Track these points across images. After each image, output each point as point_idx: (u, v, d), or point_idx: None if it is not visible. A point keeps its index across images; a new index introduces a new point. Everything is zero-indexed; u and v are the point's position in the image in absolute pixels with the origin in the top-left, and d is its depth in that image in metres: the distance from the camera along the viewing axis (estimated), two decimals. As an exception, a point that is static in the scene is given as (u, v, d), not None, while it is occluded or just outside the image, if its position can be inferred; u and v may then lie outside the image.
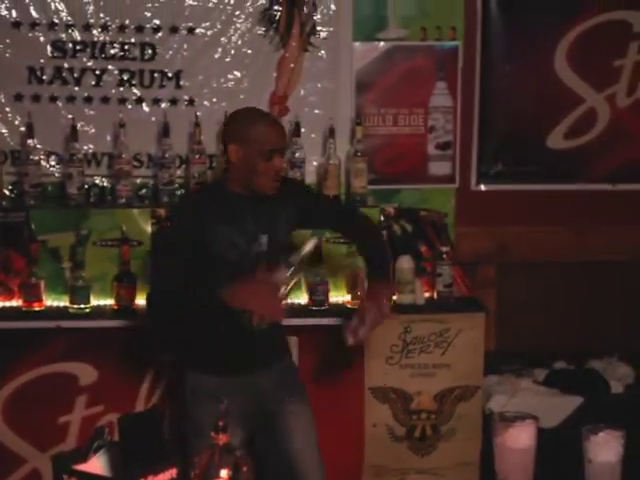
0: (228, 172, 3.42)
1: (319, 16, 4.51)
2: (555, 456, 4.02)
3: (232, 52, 4.50)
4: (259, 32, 4.50)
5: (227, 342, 3.39)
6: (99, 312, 4.28)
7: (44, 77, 4.45)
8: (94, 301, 4.31)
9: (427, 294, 4.45)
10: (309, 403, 3.56)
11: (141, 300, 4.30)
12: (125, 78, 4.48)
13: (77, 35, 4.44)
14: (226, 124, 3.49)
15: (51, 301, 4.32)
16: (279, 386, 3.47)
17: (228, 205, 3.35)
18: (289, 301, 4.19)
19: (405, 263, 4.34)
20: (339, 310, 4.27)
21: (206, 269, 3.31)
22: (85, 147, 4.47)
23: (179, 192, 4.46)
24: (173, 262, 3.32)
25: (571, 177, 4.84)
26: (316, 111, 4.55)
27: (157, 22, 4.46)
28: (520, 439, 3.19)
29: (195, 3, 4.46)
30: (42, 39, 4.43)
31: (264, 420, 3.47)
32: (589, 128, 4.80)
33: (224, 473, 2.32)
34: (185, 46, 4.48)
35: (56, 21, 4.41)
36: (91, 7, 4.42)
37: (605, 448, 3.45)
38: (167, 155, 4.41)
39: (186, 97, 4.51)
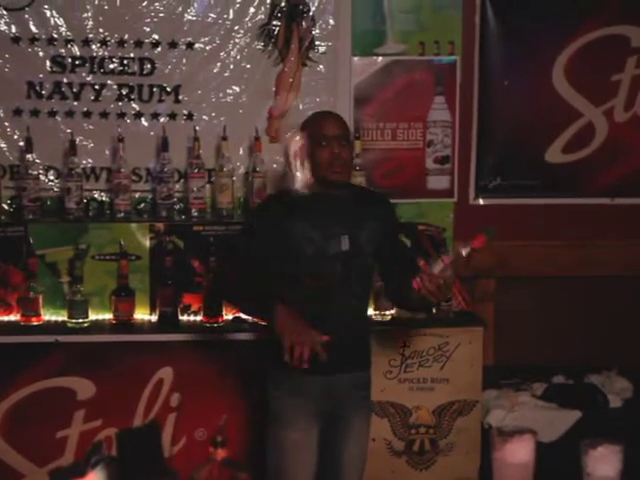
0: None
1: (318, 31, 4.54)
2: (554, 470, 4.00)
3: (231, 67, 4.53)
4: (258, 47, 4.53)
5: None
6: (97, 326, 4.31)
7: (43, 92, 4.48)
8: (92, 315, 4.33)
9: None
10: (369, 423, 3.65)
11: (141, 314, 4.37)
12: (124, 93, 4.51)
13: (76, 50, 4.47)
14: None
15: (49, 315, 4.34)
16: (353, 394, 3.52)
17: (306, 201, 3.45)
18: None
19: (403, 278, 4.34)
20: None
21: (287, 261, 3.43)
22: (84, 161, 4.50)
23: (177, 207, 4.49)
24: (249, 244, 3.48)
25: (570, 191, 4.86)
26: (315, 125, 4.59)
27: (156, 37, 4.49)
28: (518, 454, 3.18)
29: (194, 18, 4.50)
30: (41, 54, 4.46)
31: (332, 421, 3.54)
32: (587, 142, 4.82)
33: (222, 487, 2.28)
34: (184, 61, 4.52)
35: (55, 36, 4.45)
36: (90, 22, 4.46)
37: (604, 462, 3.44)
38: (166, 169, 4.43)
39: (185, 111, 4.54)
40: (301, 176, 3.47)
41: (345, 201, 3.49)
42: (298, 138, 3.47)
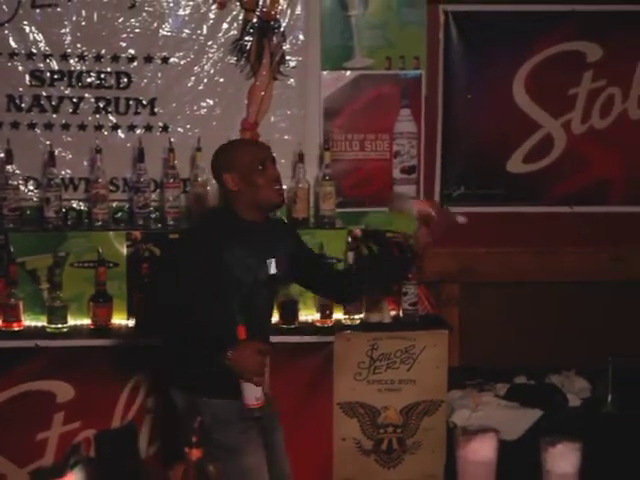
0: (232, 201, 3.42)
1: (288, 46, 4.61)
2: (515, 467, 4.10)
3: (205, 80, 4.60)
4: (231, 61, 4.59)
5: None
6: (76, 331, 4.34)
7: (23, 105, 4.52)
8: (71, 321, 4.37)
9: (393, 312, 4.54)
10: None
11: (118, 320, 4.39)
12: (101, 106, 4.56)
13: (55, 64, 4.52)
14: (214, 160, 3.50)
15: (29, 321, 4.37)
16: (270, 408, 3.48)
17: (240, 230, 3.37)
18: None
19: (372, 283, 4.43)
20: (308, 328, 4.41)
21: (220, 292, 3.33)
22: (63, 172, 4.54)
23: (154, 215, 4.53)
24: (180, 282, 3.29)
25: (531, 199, 4.95)
26: (286, 137, 4.64)
27: (132, 52, 4.54)
28: (482, 451, 3.23)
29: (169, 34, 4.56)
30: (21, 68, 4.50)
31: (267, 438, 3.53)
32: (546, 153, 4.91)
33: (197, 488, 2.36)
34: (159, 75, 4.57)
35: (34, 51, 4.50)
36: (68, 37, 4.50)
37: (563, 459, 3.50)
38: (142, 179, 4.47)
39: (160, 124, 4.59)
40: None
41: (263, 226, 3.45)
42: None
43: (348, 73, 4.69)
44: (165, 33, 4.56)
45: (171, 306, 3.27)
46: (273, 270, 3.44)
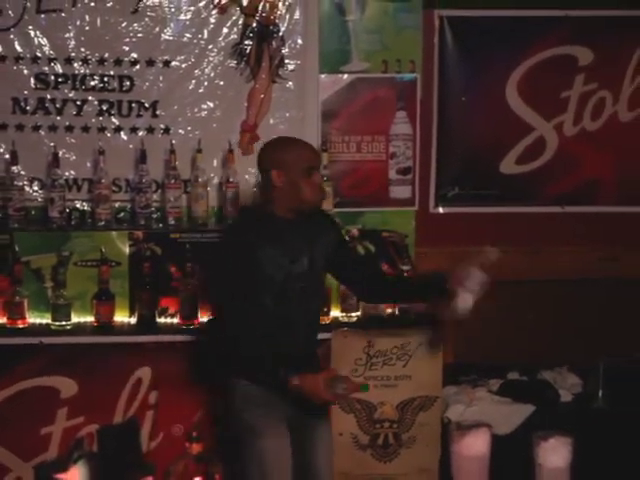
0: (271, 197, 3.54)
1: (287, 50, 4.66)
2: (508, 461, 4.13)
3: (205, 84, 4.64)
4: (231, 65, 4.64)
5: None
6: (79, 329, 4.41)
7: (28, 107, 4.56)
8: (75, 318, 4.43)
9: (389, 310, 4.60)
10: (330, 430, 3.78)
11: (121, 317, 4.47)
12: (104, 108, 4.61)
13: (59, 68, 4.56)
14: (262, 154, 3.61)
15: (34, 318, 4.44)
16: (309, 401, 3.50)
17: (274, 228, 3.51)
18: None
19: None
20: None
21: (253, 288, 3.47)
22: (66, 173, 4.58)
23: (155, 215, 4.57)
24: (226, 279, 3.51)
25: (523, 200, 5.00)
26: (285, 139, 4.72)
27: (135, 55, 4.58)
28: (475, 446, 3.31)
29: (171, 38, 4.60)
30: (26, 72, 4.55)
31: (300, 428, 3.64)
32: (539, 155, 4.96)
33: (197, 481, 2.44)
34: (161, 78, 4.62)
35: (39, 55, 4.54)
36: (72, 42, 4.54)
37: (554, 453, 3.55)
38: (144, 180, 4.52)
39: (162, 126, 4.64)
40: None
41: (299, 223, 3.57)
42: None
43: (345, 76, 4.73)
44: (167, 37, 4.60)
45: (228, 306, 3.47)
46: (305, 268, 3.54)
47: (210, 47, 4.64)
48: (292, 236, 3.53)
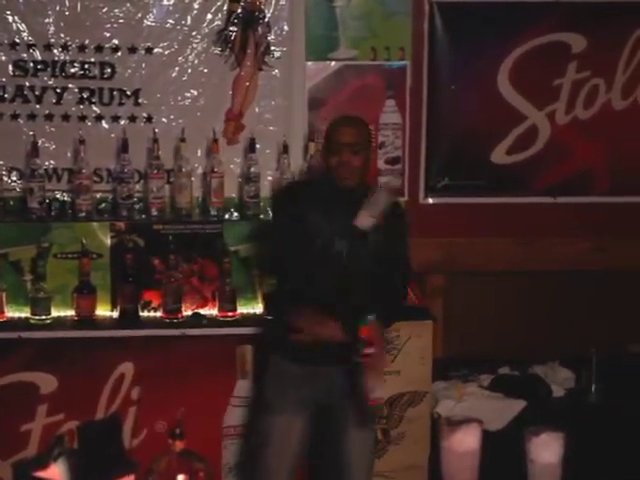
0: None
1: (273, 36, 4.61)
2: (499, 457, 4.12)
3: (189, 71, 4.59)
4: (215, 52, 4.59)
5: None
6: (60, 323, 4.35)
7: (6, 95, 4.51)
8: (55, 312, 4.37)
9: None
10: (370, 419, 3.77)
11: (102, 311, 4.40)
12: (85, 96, 4.56)
13: (38, 54, 4.51)
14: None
15: (13, 312, 4.37)
16: (342, 386, 3.58)
17: (321, 194, 3.61)
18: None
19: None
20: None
21: (298, 245, 3.56)
22: (46, 163, 4.53)
23: (137, 206, 4.53)
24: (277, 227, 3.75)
25: (514, 190, 4.96)
26: (270, 128, 4.64)
27: (116, 42, 4.54)
28: (465, 442, 3.25)
29: (153, 24, 4.55)
30: (3, 58, 4.50)
31: (329, 411, 3.65)
32: (531, 144, 4.92)
33: (181, 478, 2.41)
34: (143, 65, 4.57)
35: (17, 41, 4.49)
36: (52, 27, 4.49)
37: (546, 449, 3.52)
38: (126, 170, 4.47)
39: (144, 114, 4.59)
40: None
41: (353, 195, 3.56)
42: None
43: (333, 64, 4.70)
44: (149, 23, 4.55)
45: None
46: (347, 244, 3.55)
47: (194, 33, 4.59)
48: (339, 207, 3.55)
